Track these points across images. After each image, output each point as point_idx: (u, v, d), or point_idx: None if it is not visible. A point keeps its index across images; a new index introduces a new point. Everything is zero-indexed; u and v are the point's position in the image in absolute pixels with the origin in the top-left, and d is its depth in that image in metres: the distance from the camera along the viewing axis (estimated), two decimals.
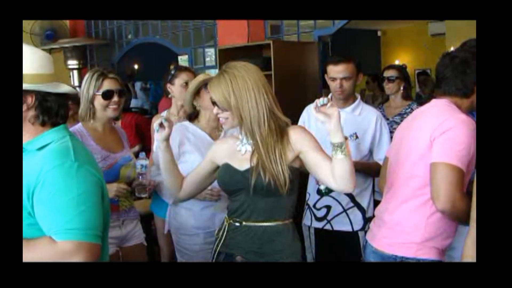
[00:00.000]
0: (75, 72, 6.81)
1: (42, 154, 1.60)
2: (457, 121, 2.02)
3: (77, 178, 1.55)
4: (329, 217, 3.02)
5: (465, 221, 1.83)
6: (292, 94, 3.86)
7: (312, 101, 2.00)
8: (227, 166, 2.15)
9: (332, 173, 1.97)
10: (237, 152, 2.15)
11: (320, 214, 3.05)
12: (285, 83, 4.22)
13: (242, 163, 2.11)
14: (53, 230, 1.52)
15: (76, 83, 6.71)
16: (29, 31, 6.55)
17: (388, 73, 4.16)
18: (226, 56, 4.62)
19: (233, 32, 5.00)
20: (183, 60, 5.78)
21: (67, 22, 7.04)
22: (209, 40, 5.64)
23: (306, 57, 4.55)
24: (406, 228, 2.12)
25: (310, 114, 3.13)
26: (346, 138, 1.94)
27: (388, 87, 4.14)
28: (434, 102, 2.18)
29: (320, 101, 1.92)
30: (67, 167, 1.55)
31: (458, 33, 8.29)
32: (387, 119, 3.94)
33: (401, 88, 4.12)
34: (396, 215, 2.17)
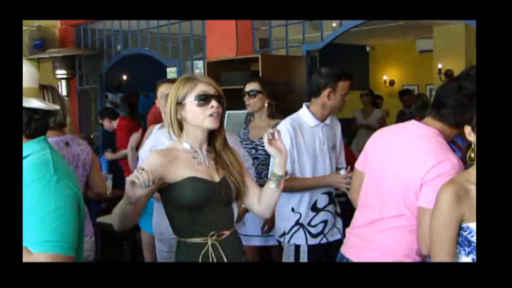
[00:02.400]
0: (63, 81, 6.79)
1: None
2: (452, 165, 1.98)
3: (55, 192, 1.57)
4: (325, 231, 3.05)
5: None
6: (279, 108, 3.87)
7: None
8: (197, 180, 2.00)
9: (260, 199, 2.10)
10: (198, 164, 2.04)
11: (316, 230, 3.04)
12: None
13: (211, 175, 2.05)
14: (30, 241, 1.53)
15: (65, 93, 6.69)
16: None
17: (249, 87, 3.49)
18: (215, 69, 4.65)
19: (222, 45, 5.02)
20: (171, 72, 5.78)
21: (57, 31, 7.02)
22: (198, 52, 5.66)
23: (294, 72, 4.58)
24: (402, 249, 2.11)
25: (295, 129, 3.12)
26: (286, 173, 2.04)
27: (248, 103, 3.48)
28: (424, 128, 2.11)
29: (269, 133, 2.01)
30: (46, 181, 1.58)
31: (446, 49, 8.44)
32: (252, 141, 3.45)
33: (265, 104, 3.46)
34: (386, 236, 2.14)
